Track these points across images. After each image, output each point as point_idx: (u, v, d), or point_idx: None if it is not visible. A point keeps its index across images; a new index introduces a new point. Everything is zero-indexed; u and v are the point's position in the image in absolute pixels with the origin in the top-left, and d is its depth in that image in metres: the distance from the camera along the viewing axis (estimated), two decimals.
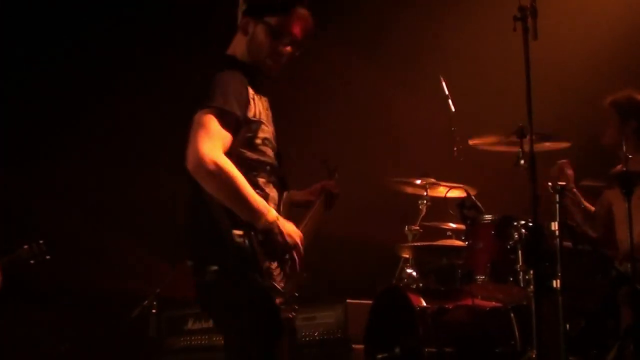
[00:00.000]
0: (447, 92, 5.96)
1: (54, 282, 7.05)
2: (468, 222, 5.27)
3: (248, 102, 3.62)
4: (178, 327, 6.69)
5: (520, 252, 4.89)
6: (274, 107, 7.83)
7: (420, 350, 5.16)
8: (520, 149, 4.62)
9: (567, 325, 4.53)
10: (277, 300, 3.51)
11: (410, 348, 5.25)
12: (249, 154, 3.63)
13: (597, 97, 5.55)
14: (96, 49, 7.59)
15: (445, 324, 5.27)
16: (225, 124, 3.49)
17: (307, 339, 6.52)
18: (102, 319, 7.36)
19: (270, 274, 3.50)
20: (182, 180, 3.61)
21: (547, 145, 5.15)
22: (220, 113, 3.49)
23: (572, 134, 5.37)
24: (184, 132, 3.54)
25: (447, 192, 5.83)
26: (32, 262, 5.70)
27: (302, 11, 3.77)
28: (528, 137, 4.21)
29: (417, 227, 5.94)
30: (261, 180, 3.66)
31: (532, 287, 4.70)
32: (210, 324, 6.74)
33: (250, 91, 3.65)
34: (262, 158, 3.68)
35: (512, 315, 5.27)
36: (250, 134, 3.63)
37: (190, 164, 3.44)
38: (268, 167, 3.71)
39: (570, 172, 5.24)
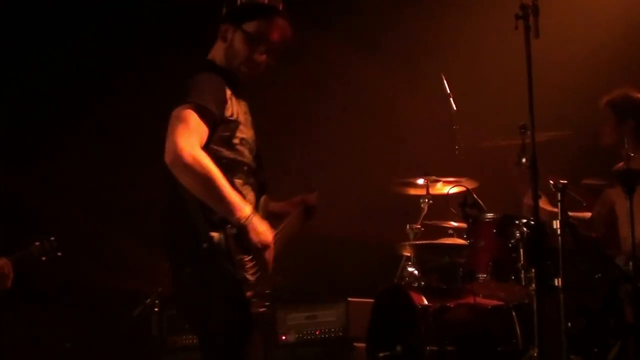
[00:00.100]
0: (448, 91, 5.97)
1: (55, 282, 7.05)
2: (470, 220, 5.27)
3: (225, 101, 3.67)
4: (180, 326, 6.68)
5: (521, 250, 4.89)
6: (273, 107, 7.87)
7: (422, 348, 5.16)
8: (521, 147, 4.63)
9: (569, 324, 4.52)
10: (248, 294, 3.53)
11: (411, 346, 5.25)
12: (226, 152, 3.67)
13: (598, 96, 5.56)
14: (96, 48, 7.58)
15: (447, 322, 5.28)
16: (202, 118, 3.54)
17: (309, 337, 6.53)
18: (104, 318, 7.36)
19: (242, 266, 3.52)
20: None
21: (548, 135, 5.16)
22: (198, 108, 3.54)
23: (572, 133, 5.37)
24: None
25: (449, 190, 5.83)
26: (43, 258, 5.70)
27: (281, 21, 3.83)
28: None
29: (419, 226, 5.95)
30: (238, 182, 3.69)
31: (533, 285, 4.69)
32: None
33: (228, 92, 3.70)
34: (239, 158, 3.72)
35: (513, 313, 5.27)
36: (227, 133, 3.67)
37: (167, 157, 3.48)
38: (245, 168, 3.75)
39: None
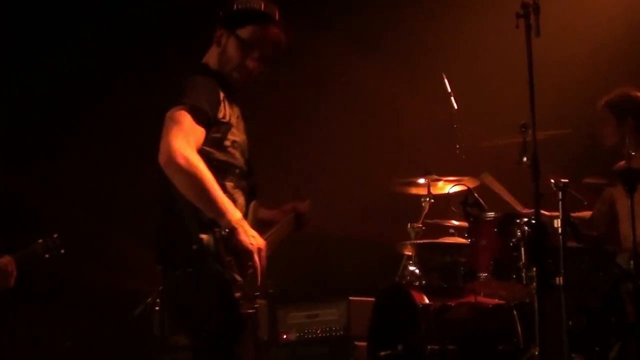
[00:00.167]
0: (449, 90, 5.97)
1: (56, 281, 7.05)
2: (471, 219, 5.27)
3: (219, 103, 3.69)
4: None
5: (523, 249, 4.90)
6: (274, 107, 7.88)
7: (423, 347, 5.16)
8: (522, 146, 4.64)
9: (570, 323, 4.53)
10: (237, 294, 3.53)
11: (412, 345, 5.25)
12: (218, 154, 3.69)
13: (599, 95, 5.56)
14: (96, 48, 7.58)
15: (448, 321, 5.28)
16: (197, 120, 3.55)
17: (310, 336, 6.53)
18: (105, 317, 7.36)
19: (232, 267, 3.53)
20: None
21: (547, 134, 5.17)
22: (193, 109, 3.56)
23: (572, 131, 5.38)
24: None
25: (450, 189, 5.83)
26: (46, 256, 5.69)
27: (275, 29, 3.86)
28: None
29: (420, 225, 5.95)
30: (229, 185, 3.71)
31: (534, 284, 4.70)
32: None
33: (221, 94, 3.72)
34: (230, 160, 3.74)
35: (514, 312, 5.27)
36: (219, 135, 3.69)
37: (161, 158, 3.49)
38: (237, 171, 3.77)
39: None
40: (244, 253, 3.55)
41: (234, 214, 3.54)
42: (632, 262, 4.74)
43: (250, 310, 3.62)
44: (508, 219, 5.05)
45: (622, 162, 5.09)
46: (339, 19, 7.68)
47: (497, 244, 5.05)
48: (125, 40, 7.56)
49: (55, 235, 5.72)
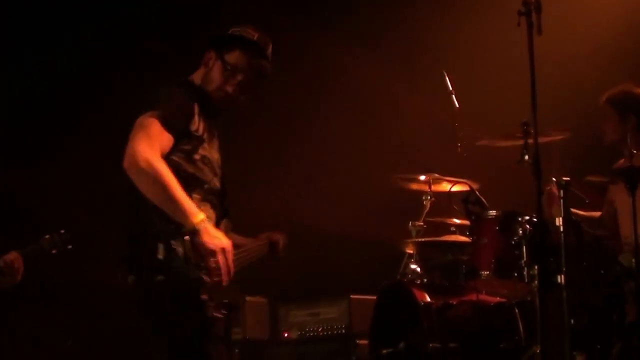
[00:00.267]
0: (450, 88, 5.97)
1: (56, 280, 7.04)
2: (472, 217, 5.27)
3: (192, 115, 3.72)
4: None
5: (524, 247, 4.90)
6: (275, 105, 7.87)
7: (425, 345, 5.16)
8: (524, 145, 4.64)
9: (572, 321, 4.53)
10: (203, 296, 3.55)
11: (414, 343, 5.25)
12: (186, 166, 3.71)
13: (600, 93, 5.55)
14: (97, 48, 7.58)
15: (450, 319, 5.28)
16: (165, 127, 3.59)
17: (311, 334, 6.54)
18: (105, 316, 7.36)
19: (199, 267, 3.55)
20: None
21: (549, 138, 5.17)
22: (162, 116, 3.59)
23: (575, 130, 5.37)
24: None
25: (451, 187, 5.83)
26: (53, 252, 5.68)
27: (263, 61, 3.90)
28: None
29: (421, 223, 5.95)
30: (196, 197, 3.72)
31: (536, 282, 4.71)
32: None
33: (196, 107, 3.75)
34: (198, 174, 3.76)
35: (516, 310, 5.27)
36: (189, 147, 3.72)
37: (125, 162, 3.53)
38: (205, 186, 3.79)
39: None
40: (207, 253, 3.56)
41: (197, 215, 3.55)
42: (634, 260, 4.74)
43: (218, 315, 3.63)
44: (510, 217, 5.04)
45: (622, 161, 5.09)
46: (339, 18, 7.68)
47: (499, 242, 5.05)
48: (125, 39, 7.56)
49: (63, 231, 5.71)
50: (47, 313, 7.18)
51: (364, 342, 5.89)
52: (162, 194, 3.51)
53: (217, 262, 3.56)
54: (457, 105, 5.96)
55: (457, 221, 5.88)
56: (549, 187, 4.98)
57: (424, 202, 6.03)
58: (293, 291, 7.11)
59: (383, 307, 5.60)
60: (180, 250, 3.53)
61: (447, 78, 6.00)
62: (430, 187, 6.02)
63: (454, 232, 5.89)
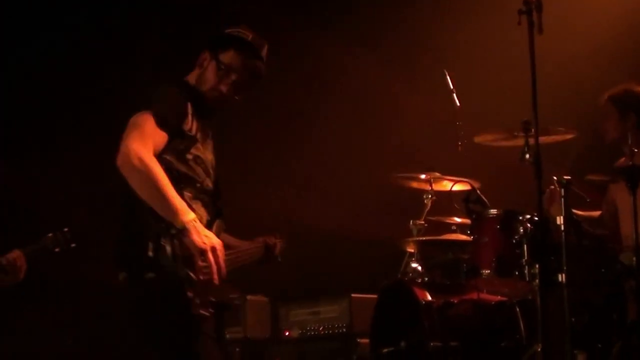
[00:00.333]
0: (451, 87, 5.97)
1: (58, 279, 7.05)
2: (473, 216, 5.27)
3: (185, 115, 3.75)
4: None
5: (525, 246, 4.90)
6: (276, 104, 7.85)
7: (426, 344, 5.17)
8: (525, 143, 4.64)
9: (572, 319, 4.53)
10: (189, 293, 3.55)
11: (415, 342, 5.26)
12: (178, 165, 3.74)
13: (601, 92, 5.55)
14: (98, 48, 7.58)
15: (451, 318, 5.28)
16: (159, 125, 3.62)
17: (312, 333, 6.54)
18: (107, 315, 7.35)
19: (187, 264, 3.56)
20: None
21: (552, 138, 5.16)
22: (156, 115, 3.62)
23: (576, 128, 5.37)
24: None
25: (452, 186, 5.83)
26: (56, 250, 5.69)
27: (258, 62, 3.93)
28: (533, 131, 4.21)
29: (422, 222, 5.95)
30: (187, 195, 3.74)
31: (537, 281, 4.71)
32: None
33: (190, 107, 3.78)
34: (190, 173, 3.78)
35: (517, 309, 5.28)
36: (182, 147, 3.75)
37: (118, 160, 3.57)
38: (197, 185, 3.81)
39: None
40: (197, 252, 3.57)
41: (187, 213, 3.57)
42: (634, 259, 4.74)
43: (205, 313, 3.63)
44: (510, 216, 5.04)
45: (623, 159, 5.09)
46: (339, 18, 7.68)
47: (500, 241, 5.05)
48: (126, 39, 7.56)
49: (66, 229, 5.71)
50: (47, 312, 7.18)
51: (365, 341, 5.89)
52: (153, 191, 3.54)
53: (206, 261, 3.58)
54: (458, 104, 5.96)
55: (458, 220, 5.88)
56: (551, 187, 4.99)
57: (425, 201, 6.03)
58: (294, 290, 7.11)
59: (384, 306, 5.60)
60: (168, 248, 3.54)
61: (447, 77, 6.00)
62: (431, 186, 6.02)
63: (454, 231, 5.89)
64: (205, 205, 3.83)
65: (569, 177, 4.75)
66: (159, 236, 3.55)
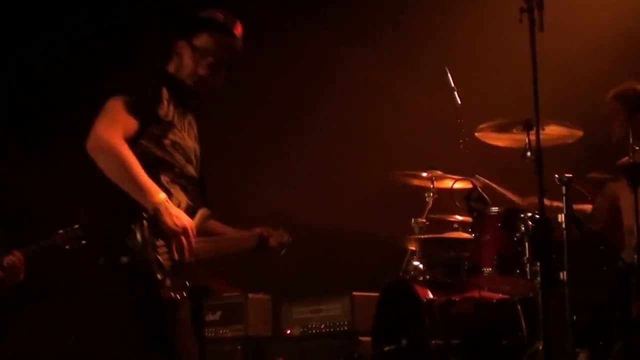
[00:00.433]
0: (452, 85, 5.96)
1: (58, 277, 7.05)
2: (474, 214, 5.27)
3: (159, 100, 3.77)
4: None
5: (527, 244, 4.90)
6: (277, 101, 7.82)
7: (427, 342, 5.17)
8: (526, 142, 4.64)
9: (574, 317, 4.53)
10: (159, 276, 3.55)
11: (417, 340, 5.26)
12: (155, 150, 3.76)
13: (604, 89, 5.54)
14: (98, 47, 7.59)
15: (452, 316, 5.29)
16: (130, 110, 3.65)
17: (314, 331, 6.54)
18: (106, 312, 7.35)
19: (155, 247, 3.57)
20: None
21: (555, 134, 5.16)
22: (127, 101, 3.66)
23: (578, 125, 5.36)
24: None
25: (454, 184, 5.83)
26: (67, 247, 5.69)
27: (231, 40, 3.93)
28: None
29: (424, 220, 5.95)
30: (164, 179, 3.76)
31: (538, 279, 4.71)
32: (217, 316, 6.77)
33: (165, 93, 3.80)
34: (168, 158, 3.80)
35: (518, 307, 5.28)
36: (159, 132, 3.76)
37: (88, 144, 3.62)
38: (176, 170, 3.82)
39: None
40: (169, 234, 3.60)
41: (157, 194, 3.60)
42: (636, 256, 4.74)
43: (177, 296, 3.61)
44: (512, 213, 5.05)
45: (626, 158, 5.08)
46: (340, 15, 7.68)
47: (501, 238, 5.05)
48: (127, 39, 7.57)
49: (77, 226, 5.71)
50: (47, 312, 7.18)
51: (367, 339, 5.89)
52: (122, 174, 3.57)
53: (179, 243, 3.60)
54: (459, 102, 5.96)
55: (459, 218, 5.89)
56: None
57: (427, 199, 6.03)
58: (295, 288, 7.11)
59: (385, 304, 5.60)
60: (138, 232, 3.55)
61: (449, 75, 6.00)
62: (432, 184, 6.02)
63: (456, 229, 5.89)
64: (185, 190, 3.84)
65: (570, 175, 4.75)
66: (130, 220, 3.57)
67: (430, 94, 6.71)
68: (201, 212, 3.88)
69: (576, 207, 5.38)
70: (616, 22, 6.92)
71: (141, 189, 3.57)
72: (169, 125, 3.80)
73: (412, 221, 5.94)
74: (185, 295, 3.65)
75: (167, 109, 3.79)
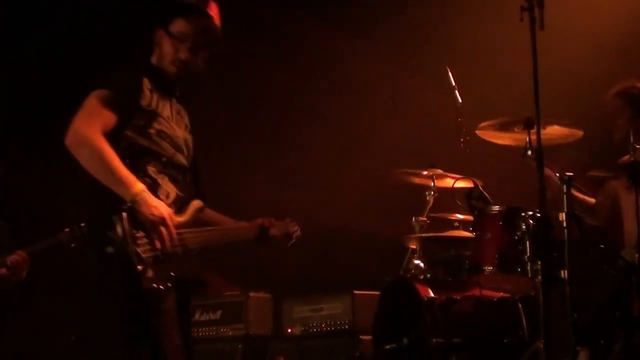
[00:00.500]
0: (453, 84, 5.96)
1: (59, 276, 7.06)
2: (475, 213, 5.28)
3: (140, 90, 3.79)
4: None
5: (527, 242, 4.90)
6: (278, 100, 7.81)
7: (428, 340, 5.18)
8: (527, 140, 4.64)
9: (575, 316, 4.53)
10: (139, 267, 3.55)
11: (417, 339, 5.26)
12: (141, 140, 3.77)
13: (605, 87, 5.54)
14: (99, 47, 7.59)
15: (453, 314, 5.29)
16: (108, 104, 3.67)
17: (315, 330, 6.54)
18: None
19: (134, 239, 3.56)
20: None
21: (555, 134, 5.16)
22: (104, 94, 3.69)
23: (579, 124, 5.36)
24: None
25: (454, 182, 5.83)
26: (72, 245, 5.70)
27: (205, 20, 3.95)
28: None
29: (425, 218, 5.95)
30: (151, 169, 3.77)
31: (539, 277, 4.71)
32: (218, 315, 6.77)
33: (147, 83, 3.82)
34: (154, 147, 3.80)
35: (519, 305, 5.29)
36: (142, 122, 3.78)
37: (66, 140, 3.64)
38: (164, 159, 3.82)
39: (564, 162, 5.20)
40: (148, 224, 3.60)
41: (135, 185, 3.60)
42: (637, 255, 4.74)
43: (161, 287, 3.60)
44: (513, 212, 5.05)
45: (627, 156, 5.08)
46: (340, 11, 7.67)
47: (502, 237, 5.05)
48: (127, 38, 7.56)
49: (83, 224, 5.72)
50: (50, 308, 7.19)
51: (368, 337, 5.89)
52: (100, 167, 3.59)
53: (158, 233, 3.60)
54: (460, 101, 5.96)
55: (460, 216, 5.89)
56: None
57: (427, 198, 6.03)
58: (296, 287, 7.11)
59: (386, 302, 5.61)
60: (118, 223, 3.55)
61: (449, 74, 6.00)
62: (433, 183, 6.02)
63: (457, 228, 5.89)
64: (174, 181, 3.84)
65: (571, 174, 4.75)
66: (111, 212, 3.56)
67: (431, 92, 6.71)
68: (193, 204, 3.87)
69: (583, 196, 5.40)
70: (617, 22, 6.91)
71: (119, 181, 3.58)
72: (153, 115, 3.81)
73: (413, 220, 5.94)
74: (170, 285, 3.64)
75: (149, 99, 3.81)
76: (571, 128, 5.24)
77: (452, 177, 5.88)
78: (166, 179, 3.81)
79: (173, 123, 3.89)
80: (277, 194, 7.40)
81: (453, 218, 5.93)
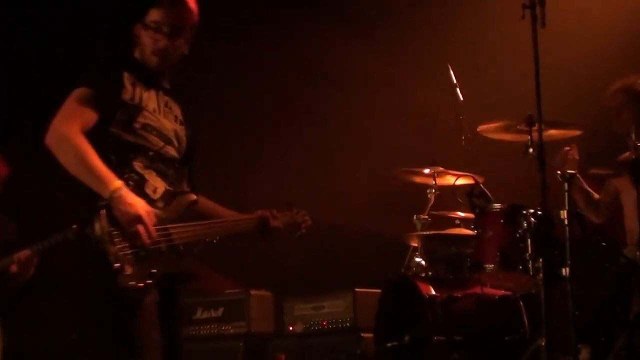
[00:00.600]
0: (454, 81, 5.96)
1: (61, 274, 7.05)
2: (477, 210, 5.27)
3: (121, 85, 3.77)
4: (186, 316, 6.70)
5: (529, 240, 4.90)
6: (278, 98, 7.80)
7: (430, 338, 5.18)
8: (529, 138, 4.64)
9: (576, 313, 4.53)
10: (116, 265, 3.52)
11: (419, 336, 5.26)
12: (126, 136, 3.74)
13: (606, 84, 5.54)
14: (99, 46, 7.59)
15: (454, 312, 5.29)
16: (87, 102, 3.67)
17: (316, 328, 6.55)
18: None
19: (112, 237, 3.54)
20: None
21: (556, 133, 5.16)
22: (84, 92, 3.69)
23: (580, 122, 5.36)
24: None
25: (456, 180, 5.83)
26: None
27: (178, 6, 3.92)
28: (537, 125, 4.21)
29: (426, 216, 5.95)
30: (137, 164, 3.74)
31: (541, 275, 4.71)
32: (220, 313, 6.77)
33: (127, 77, 3.80)
34: (141, 142, 3.77)
35: (521, 303, 5.28)
36: (126, 117, 3.75)
37: (46, 139, 3.65)
38: (151, 153, 3.79)
39: (575, 157, 5.20)
40: (125, 222, 3.56)
41: (112, 182, 3.57)
42: (638, 253, 4.74)
43: (139, 285, 3.57)
44: (514, 210, 5.04)
45: (628, 153, 5.08)
46: (340, 9, 7.67)
47: (504, 235, 5.05)
48: (126, 39, 7.55)
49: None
50: (52, 306, 7.19)
51: (369, 335, 5.89)
52: (78, 165, 3.58)
53: (137, 231, 3.57)
54: (462, 98, 5.96)
55: (461, 214, 5.89)
56: (566, 148, 5.01)
57: (429, 196, 6.03)
58: (298, 285, 7.11)
59: (388, 300, 5.61)
60: (97, 221, 3.53)
61: (451, 71, 6.00)
62: (434, 181, 6.02)
63: (458, 225, 5.89)
64: (162, 175, 3.80)
65: (573, 171, 4.75)
66: (90, 210, 3.56)
67: (433, 90, 6.71)
68: (182, 197, 3.83)
69: (589, 188, 5.39)
70: (617, 22, 6.91)
71: (97, 178, 3.56)
72: (136, 108, 3.78)
73: (414, 217, 5.94)
74: (150, 282, 3.60)
75: (131, 93, 3.78)
76: (570, 128, 5.24)
77: (454, 175, 5.88)
78: (153, 173, 3.77)
79: (160, 115, 3.86)
80: (277, 194, 7.40)
81: (454, 216, 5.93)
